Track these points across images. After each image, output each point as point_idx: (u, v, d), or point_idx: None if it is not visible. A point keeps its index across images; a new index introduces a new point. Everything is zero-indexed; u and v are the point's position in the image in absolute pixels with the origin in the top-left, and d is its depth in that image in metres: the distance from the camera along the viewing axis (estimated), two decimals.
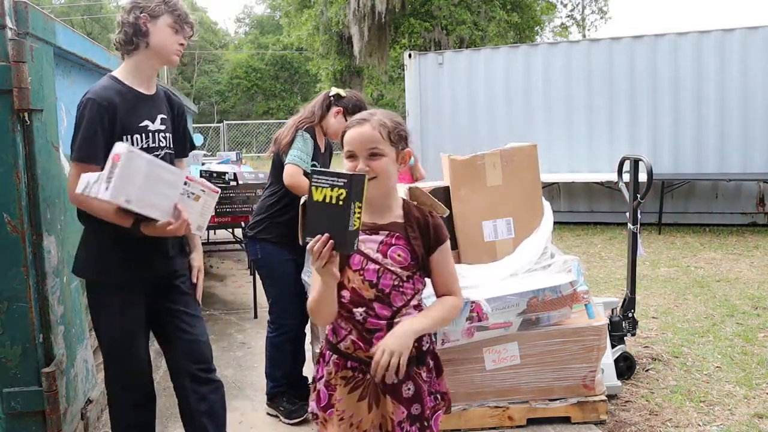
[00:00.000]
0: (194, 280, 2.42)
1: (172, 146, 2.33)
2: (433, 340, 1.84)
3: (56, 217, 2.57)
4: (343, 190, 1.44)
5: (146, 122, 2.21)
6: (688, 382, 3.46)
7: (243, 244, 4.72)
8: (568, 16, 28.18)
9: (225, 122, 24.32)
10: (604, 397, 2.99)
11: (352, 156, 1.68)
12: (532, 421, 2.95)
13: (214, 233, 7.58)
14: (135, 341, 2.28)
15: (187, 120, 2.50)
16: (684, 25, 61.99)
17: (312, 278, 1.70)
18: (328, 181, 1.45)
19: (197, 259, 2.46)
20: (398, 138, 1.70)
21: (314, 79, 24.95)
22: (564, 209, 8.96)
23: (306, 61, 27.65)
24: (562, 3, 27.04)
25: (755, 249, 7.05)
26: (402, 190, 2.86)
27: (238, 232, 5.67)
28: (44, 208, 2.43)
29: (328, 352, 1.76)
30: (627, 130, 8.63)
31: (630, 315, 3.60)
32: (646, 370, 3.63)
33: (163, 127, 2.27)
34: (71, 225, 2.93)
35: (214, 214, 4.62)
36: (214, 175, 4.73)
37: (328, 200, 1.45)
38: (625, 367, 3.48)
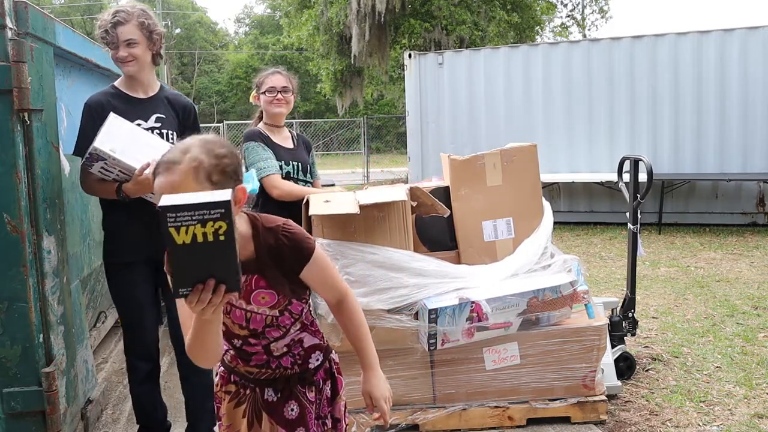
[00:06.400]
0: None
1: (175, 141, 2.57)
2: (332, 359, 1.72)
3: (56, 217, 2.56)
4: (221, 223, 1.13)
5: (138, 121, 2.52)
6: (688, 382, 3.46)
7: None
8: (569, 16, 28.17)
9: (225, 122, 24.31)
10: (604, 397, 2.99)
11: None
12: (532, 421, 2.95)
13: None
14: (143, 315, 2.60)
15: (195, 117, 2.78)
16: (684, 25, 62.03)
17: (183, 319, 1.39)
18: (195, 216, 1.12)
19: None
20: (222, 177, 1.33)
21: (314, 79, 24.88)
22: (564, 209, 8.96)
23: (306, 61, 27.60)
24: (562, 3, 27.02)
25: (755, 249, 7.05)
26: (403, 190, 2.86)
27: None
28: (44, 208, 2.42)
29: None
30: (627, 130, 8.64)
31: (630, 315, 3.60)
32: (646, 370, 3.63)
33: (158, 125, 2.57)
34: (71, 225, 2.93)
35: None
36: None
37: (201, 239, 1.13)
38: (625, 367, 3.48)
